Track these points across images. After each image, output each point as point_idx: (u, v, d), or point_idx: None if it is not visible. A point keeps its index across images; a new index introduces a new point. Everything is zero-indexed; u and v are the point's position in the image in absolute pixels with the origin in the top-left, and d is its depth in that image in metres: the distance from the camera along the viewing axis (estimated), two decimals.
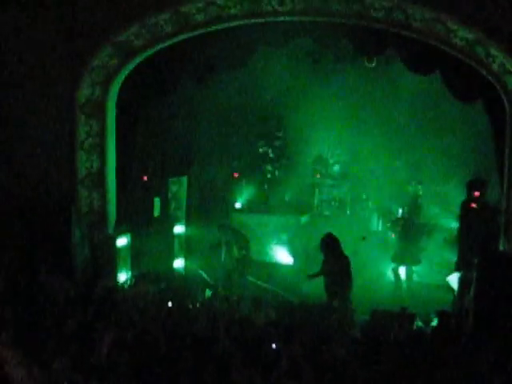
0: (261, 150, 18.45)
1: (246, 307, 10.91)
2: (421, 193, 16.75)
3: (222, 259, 14.86)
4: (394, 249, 15.42)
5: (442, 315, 9.91)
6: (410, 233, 15.23)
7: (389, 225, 16.41)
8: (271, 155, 18.42)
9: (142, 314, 9.00)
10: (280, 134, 18.24)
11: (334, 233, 12.68)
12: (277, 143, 18.29)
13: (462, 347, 7.82)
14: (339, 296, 11.97)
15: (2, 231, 11.48)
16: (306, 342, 7.41)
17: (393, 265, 15.20)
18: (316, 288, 12.81)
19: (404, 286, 15.05)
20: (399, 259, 15.18)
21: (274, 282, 14.97)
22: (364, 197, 17.37)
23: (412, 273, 15.17)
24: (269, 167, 18.46)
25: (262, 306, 10.95)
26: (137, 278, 12.62)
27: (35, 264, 10.77)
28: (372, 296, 13.25)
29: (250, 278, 14.97)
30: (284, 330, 7.89)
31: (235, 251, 14.51)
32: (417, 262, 15.13)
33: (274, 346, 7.13)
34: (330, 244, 12.38)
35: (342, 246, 12.47)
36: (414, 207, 16.01)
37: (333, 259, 12.27)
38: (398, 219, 16.11)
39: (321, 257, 12.56)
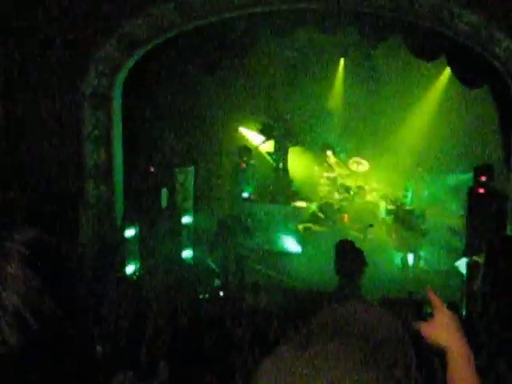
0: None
1: (247, 294, 10.95)
2: (427, 179, 16.80)
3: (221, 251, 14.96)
4: (393, 236, 15.54)
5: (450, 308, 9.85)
6: (401, 220, 15.33)
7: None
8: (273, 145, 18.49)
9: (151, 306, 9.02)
10: (277, 124, 18.27)
11: (342, 222, 12.73)
12: (275, 133, 18.30)
13: (470, 332, 7.84)
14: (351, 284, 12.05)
15: (8, 225, 11.47)
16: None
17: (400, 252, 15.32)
18: (325, 276, 12.84)
19: (411, 272, 15.11)
20: (397, 246, 15.29)
21: (282, 270, 15.00)
22: (373, 185, 17.39)
23: (419, 259, 15.23)
24: (273, 156, 18.51)
25: (263, 292, 11.01)
26: (146, 269, 12.64)
27: None
28: (381, 283, 13.24)
29: (257, 267, 15.01)
30: (293, 317, 7.91)
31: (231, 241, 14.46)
32: (415, 248, 15.18)
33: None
34: (343, 251, 12.47)
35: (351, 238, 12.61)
36: (402, 195, 16.14)
37: (349, 263, 12.37)
38: (391, 208, 16.28)
39: (329, 245, 12.63)
